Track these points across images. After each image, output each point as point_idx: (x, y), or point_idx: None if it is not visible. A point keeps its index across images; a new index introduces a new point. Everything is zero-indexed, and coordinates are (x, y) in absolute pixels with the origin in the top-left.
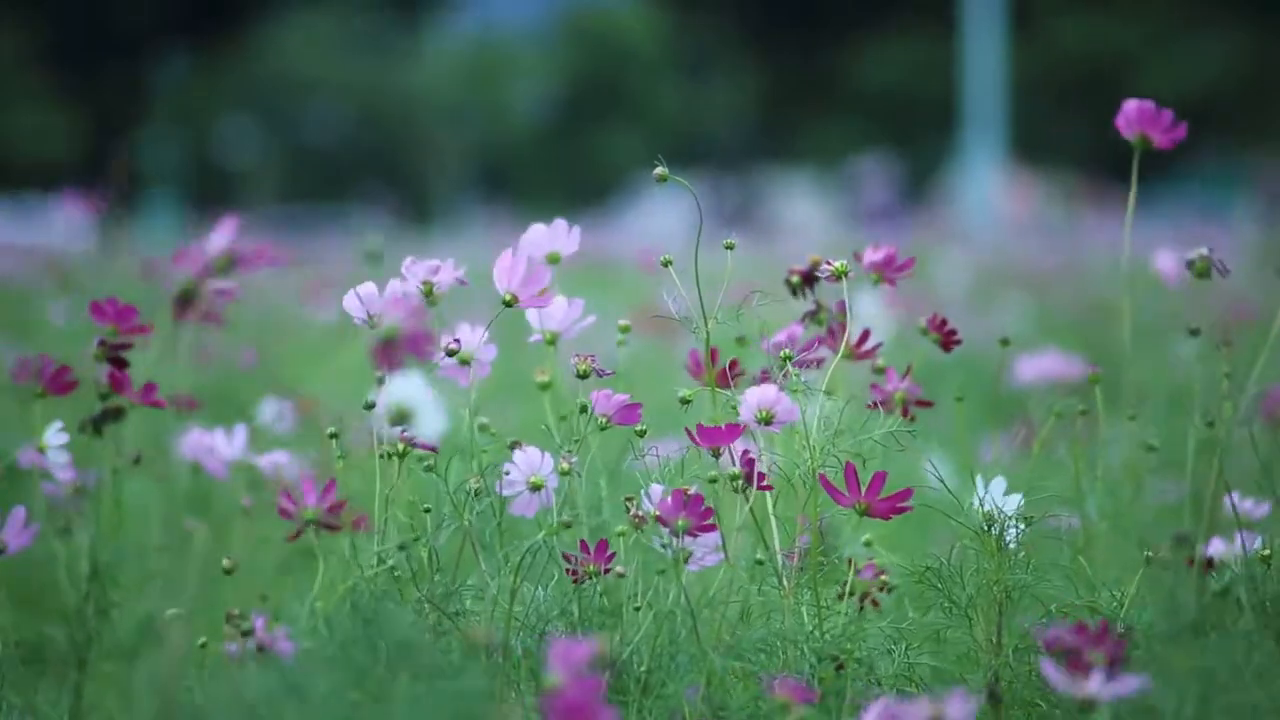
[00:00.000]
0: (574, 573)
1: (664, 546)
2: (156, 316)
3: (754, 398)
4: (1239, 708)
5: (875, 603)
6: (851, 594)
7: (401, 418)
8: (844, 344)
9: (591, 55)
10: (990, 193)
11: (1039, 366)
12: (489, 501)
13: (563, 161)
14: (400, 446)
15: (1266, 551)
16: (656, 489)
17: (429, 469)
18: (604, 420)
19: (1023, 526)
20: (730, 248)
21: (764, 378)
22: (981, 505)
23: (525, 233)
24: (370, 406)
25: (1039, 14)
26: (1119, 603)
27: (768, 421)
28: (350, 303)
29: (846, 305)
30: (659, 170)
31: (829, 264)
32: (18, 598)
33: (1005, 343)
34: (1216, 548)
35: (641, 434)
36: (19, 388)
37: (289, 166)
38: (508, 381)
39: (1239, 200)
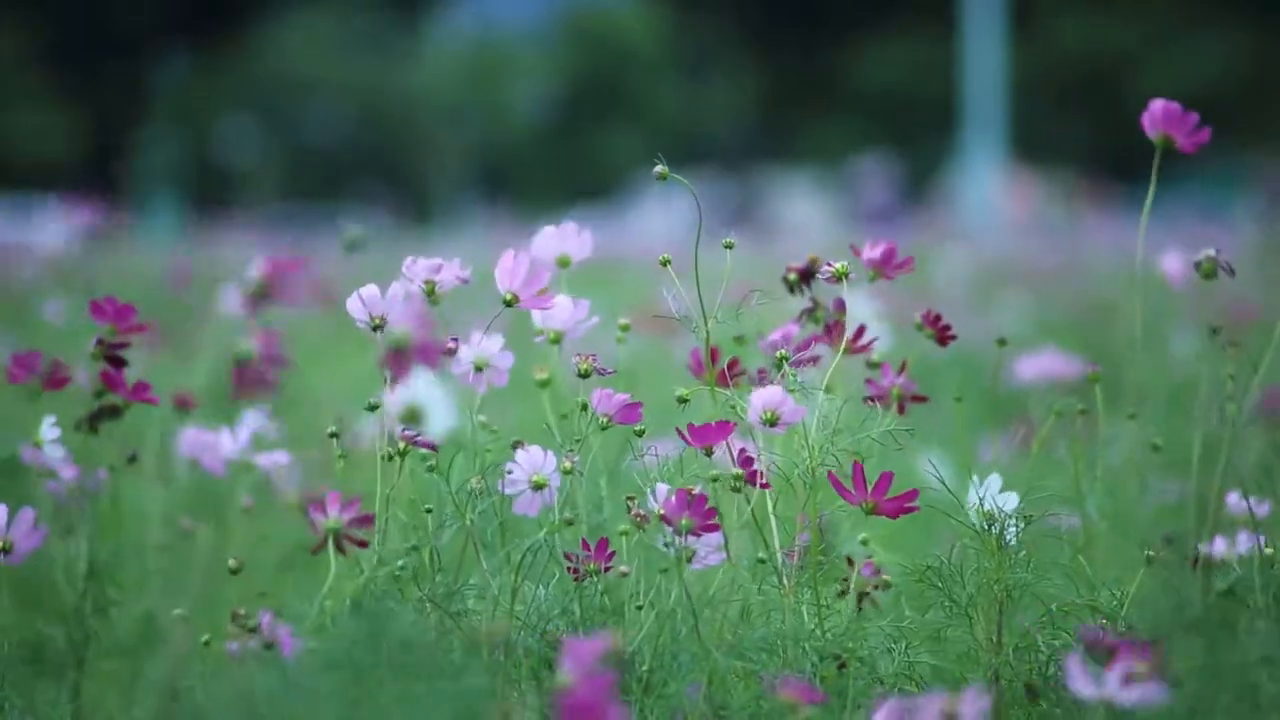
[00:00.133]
0: (575, 571)
1: (667, 545)
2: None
3: (759, 399)
4: (1244, 704)
5: (874, 601)
6: (850, 592)
7: (412, 417)
8: (843, 342)
9: (591, 55)
10: (990, 192)
11: (1038, 366)
12: (491, 501)
13: (563, 161)
14: (401, 445)
15: (1270, 550)
16: (662, 488)
17: (431, 469)
18: (605, 420)
19: (1022, 525)
20: (730, 247)
21: (762, 376)
22: (981, 504)
23: (534, 234)
24: (373, 408)
25: (1039, 14)
26: (1119, 601)
27: (773, 423)
28: (353, 305)
29: (844, 302)
30: (659, 169)
31: (829, 265)
32: (16, 597)
33: (1002, 342)
34: (1220, 547)
35: (640, 433)
36: (17, 386)
37: (289, 166)
38: (509, 380)
39: (1239, 200)
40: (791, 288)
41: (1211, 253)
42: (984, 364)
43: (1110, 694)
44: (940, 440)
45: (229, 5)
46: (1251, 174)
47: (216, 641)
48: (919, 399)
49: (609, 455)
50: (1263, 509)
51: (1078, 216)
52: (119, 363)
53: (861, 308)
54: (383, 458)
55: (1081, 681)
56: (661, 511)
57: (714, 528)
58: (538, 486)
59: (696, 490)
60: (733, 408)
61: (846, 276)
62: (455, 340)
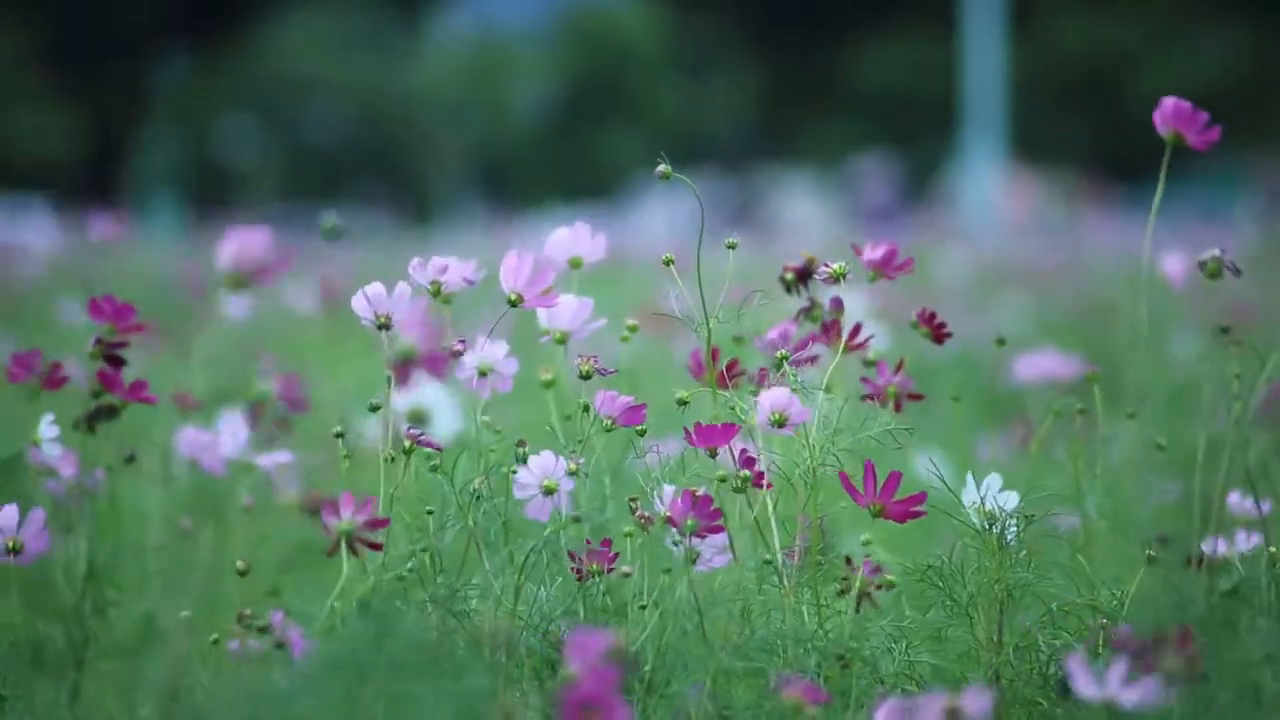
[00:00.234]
0: (579, 572)
1: (675, 544)
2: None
3: (767, 400)
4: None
5: (873, 600)
6: (849, 592)
7: (418, 418)
8: (842, 341)
9: (591, 55)
10: (990, 192)
11: (1038, 366)
12: (495, 502)
13: (563, 161)
14: (406, 444)
15: (1273, 549)
16: (668, 490)
17: (435, 469)
18: (609, 422)
19: (1022, 525)
20: (733, 247)
21: (762, 376)
22: (983, 503)
23: (534, 233)
24: (376, 409)
25: (1039, 14)
26: (1119, 601)
27: (781, 424)
28: (359, 304)
29: (841, 301)
30: (662, 168)
31: (827, 266)
32: (15, 596)
33: (1001, 342)
34: (1223, 546)
35: (642, 433)
36: (18, 385)
37: (289, 166)
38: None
39: (1240, 200)
40: (789, 287)
41: (1217, 252)
42: (984, 364)
43: (1113, 694)
44: (939, 440)
45: (229, 5)
46: (1252, 174)
47: (219, 642)
48: (915, 397)
49: (612, 454)
50: (1261, 507)
51: (1078, 216)
52: (117, 362)
53: (855, 305)
54: (386, 459)
55: (1083, 681)
56: (668, 514)
57: (719, 529)
58: (548, 491)
59: (701, 491)
60: (732, 408)
61: (844, 277)
62: (462, 343)
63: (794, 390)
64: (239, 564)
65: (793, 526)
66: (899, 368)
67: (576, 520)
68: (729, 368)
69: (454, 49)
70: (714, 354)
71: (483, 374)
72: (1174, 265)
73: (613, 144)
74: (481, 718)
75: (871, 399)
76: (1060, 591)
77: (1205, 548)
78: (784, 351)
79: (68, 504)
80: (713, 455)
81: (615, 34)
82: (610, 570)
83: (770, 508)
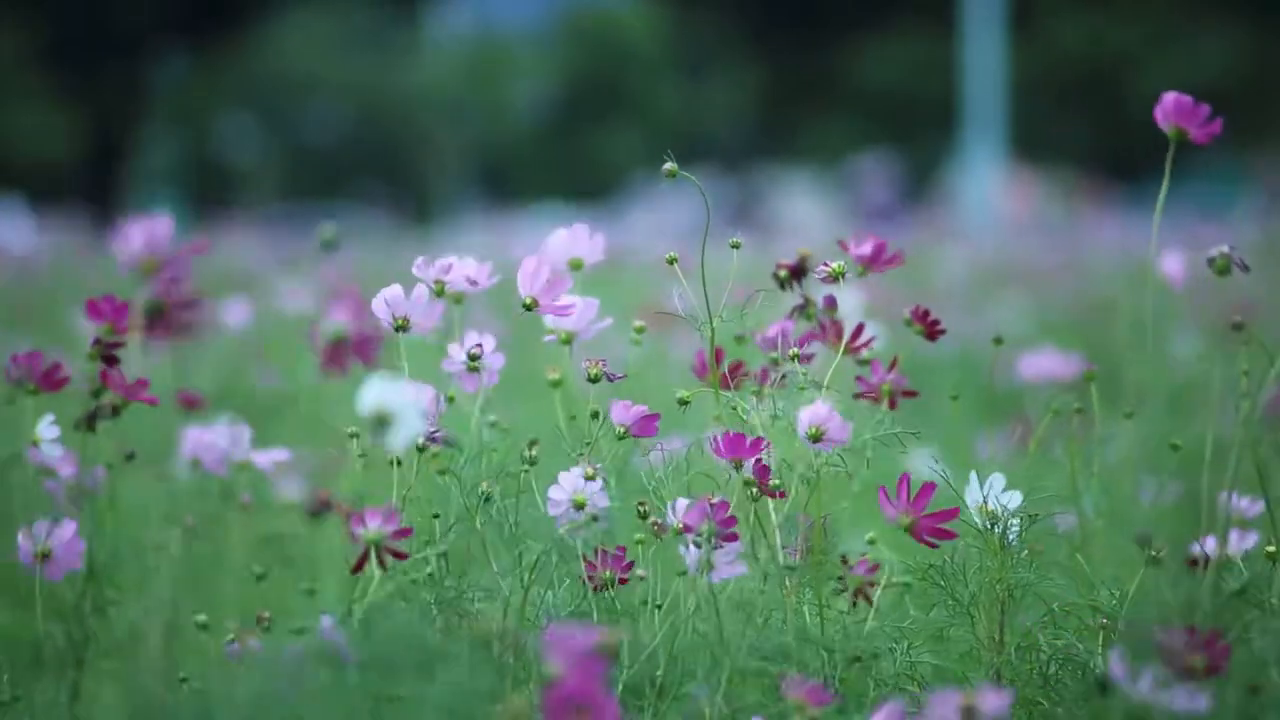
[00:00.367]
0: (593, 580)
1: (696, 545)
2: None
3: (807, 416)
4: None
5: (869, 599)
6: (865, 592)
7: (380, 422)
8: (842, 341)
9: (591, 55)
10: (990, 192)
11: (1037, 365)
12: (502, 503)
13: (563, 161)
14: (419, 443)
15: (1271, 548)
16: (682, 503)
17: (442, 472)
18: (623, 430)
19: (1023, 524)
20: (737, 247)
21: (763, 376)
22: (985, 502)
23: (532, 233)
24: (354, 436)
25: (1039, 14)
26: (1118, 600)
27: (818, 439)
28: (377, 306)
29: (835, 299)
30: (668, 166)
31: (825, 264)
32: (16, 597)
33: (999, 341)
34: (1227, 546)
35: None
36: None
37: (289, 166)
38: (512, 380)
39: (1240, 199)
40: (783, 284)
41: (1225, 249)
42: (983, 363)
43: (1159, 698)
44: (938, 438)
45: (229, 5)
46: (1252, 172)
47: (218, 643)
48: (909, 394)
49: (615, 452)
50: (1256, 507)
51: (1077, 216)
52: (116, 361)
53: (851, 302)
54: (393, 462)
55: (1127, 682)
56: (682, 523)
57: (734, 536)
58: (578, 506)
59: (716, 499)
60: (733, 409)
61: (843, 276)
62: (479, 345)
63: (804, 389)
64: (255, 568)
65: (794, 526)
66: (893, 365)
67: (595, 519)
68: (733, 368)
69: (454, 48)
70: (718, 354)
71: (472, 369)
72: (1173, 264)
73: (612, 144)
74: (483, 718)
75: (865, 397)
76: (1061, 591)
77: (1209, 548)
78: (795, 350)
79: (67, 503)
80: (738, 467)
81: (615, 33)
82: (624, 581)
83: (770, 507)
